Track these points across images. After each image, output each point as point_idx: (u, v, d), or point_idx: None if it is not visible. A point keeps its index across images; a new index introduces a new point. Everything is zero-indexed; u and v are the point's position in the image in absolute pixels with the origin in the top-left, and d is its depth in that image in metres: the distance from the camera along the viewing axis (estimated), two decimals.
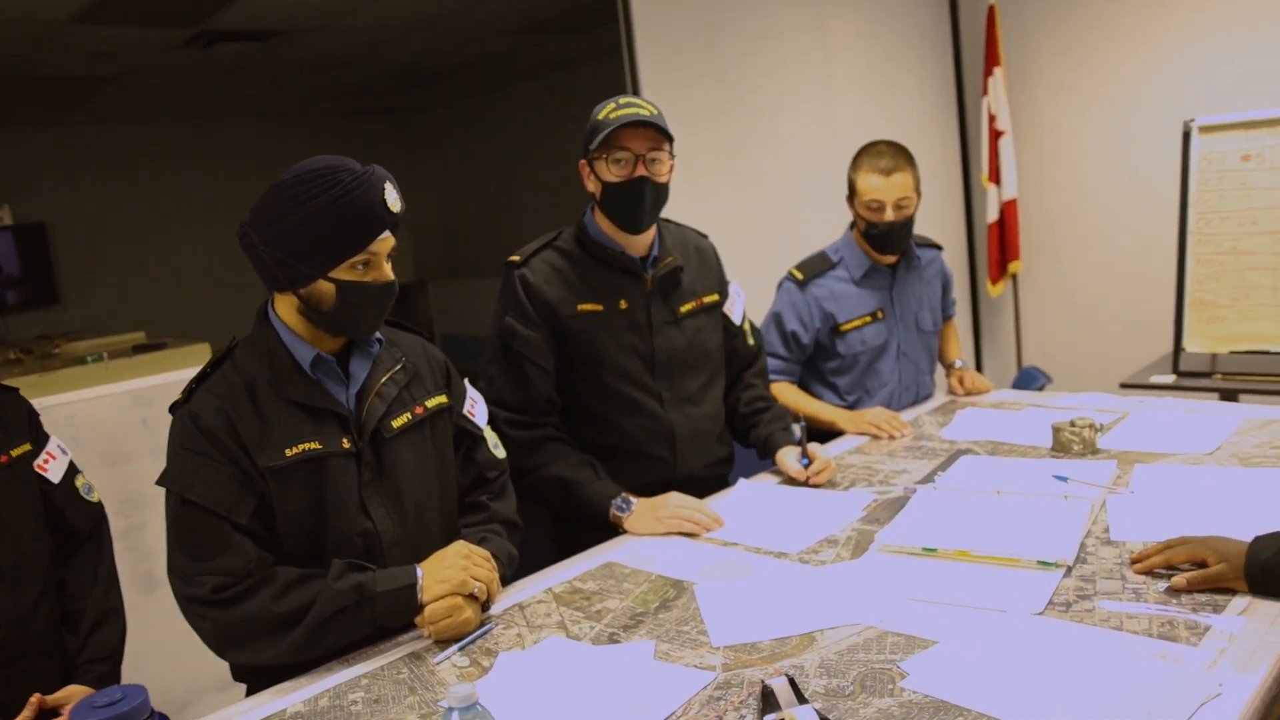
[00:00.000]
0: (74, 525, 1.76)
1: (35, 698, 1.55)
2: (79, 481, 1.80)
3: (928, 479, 2.03)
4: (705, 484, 2.15)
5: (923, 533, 1.69)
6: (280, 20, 4.69)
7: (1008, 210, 4.72)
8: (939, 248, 2.80)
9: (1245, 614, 1.33)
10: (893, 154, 2.48)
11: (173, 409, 1.53)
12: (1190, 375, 3.32)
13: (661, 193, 2.00)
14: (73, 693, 1.61)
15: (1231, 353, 3.34)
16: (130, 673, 1.83)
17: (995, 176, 4.70)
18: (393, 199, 1.48)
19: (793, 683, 1.16)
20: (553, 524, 2.16)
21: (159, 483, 1.49)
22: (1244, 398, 2.96)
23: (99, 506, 1.83)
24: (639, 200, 1.97)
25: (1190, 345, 3.43)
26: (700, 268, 2.21)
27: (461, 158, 8.47)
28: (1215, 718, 1.09)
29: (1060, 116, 4.62)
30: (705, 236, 2.31)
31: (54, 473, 1.74)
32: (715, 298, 2.22)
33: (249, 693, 1.52)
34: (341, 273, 1.48)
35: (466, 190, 8.53)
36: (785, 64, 4.05)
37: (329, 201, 1.43)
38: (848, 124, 4.22)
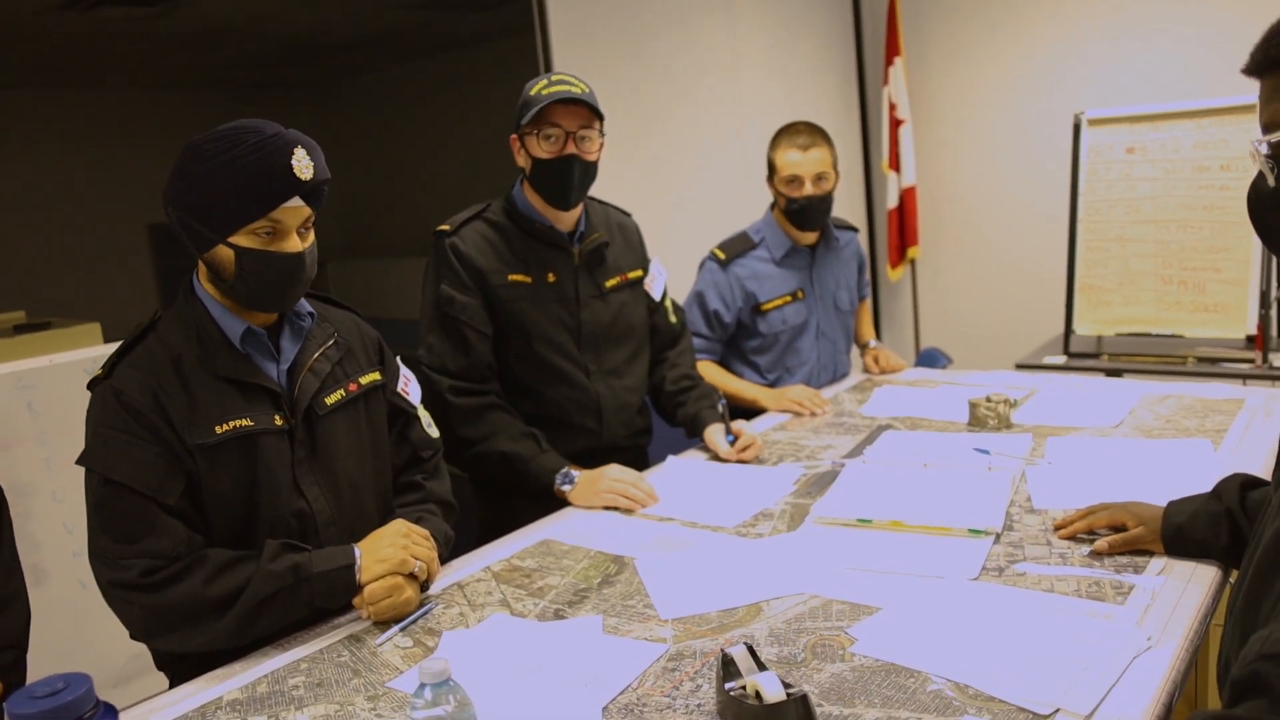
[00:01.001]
0: None
1: None
2: None
3: (855, 453, 2.08)
4: (628, 453, 2.19)
5: (856, 504, 1.74)
6: None
7: (907, 197, 4.86)
8: (855, 230, 2.87)
9: (1164, 574, 1.41)
10: (810, 131, 2.54)
11: (91, 385, 1.45)
12: (1080, 356, 3.50)
13: (590, 170, 2.01)
14: None
15: (1117, 334, 3.53)
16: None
17: (895, 164, 4.84)
18: (303, 165, 1.40)
19: (752, 650, 1.17)
20: (480, 498, 2.14)
21: (79, 462, 1.39)
22: (1127, 376, 3.13)
23: None
24: (568, 177, 1.98)
25: (1080, 328, 3.61)
26: (624, 245, 2.24)
27: (360, 136, 8.23)
28: (1147, 667, 1.16)
29: (958, 106, 4.78)
30: (629, 215, 2.33)
31: None
32: (639, 274, 2.25)
33: (173, 683, 1.46)
34: (242, 238, 1.40)
35: (365, 170, 8.29)
36: (694, 44, 4.08)
37: (228, 162, 1.36)
38: (755, 107, 4.28)
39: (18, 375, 3.06)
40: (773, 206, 2.67)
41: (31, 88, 6.99)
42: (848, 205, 5.00)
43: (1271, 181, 0.99)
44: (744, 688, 1.11)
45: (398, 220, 8.00)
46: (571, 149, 1.96)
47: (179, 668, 1.47)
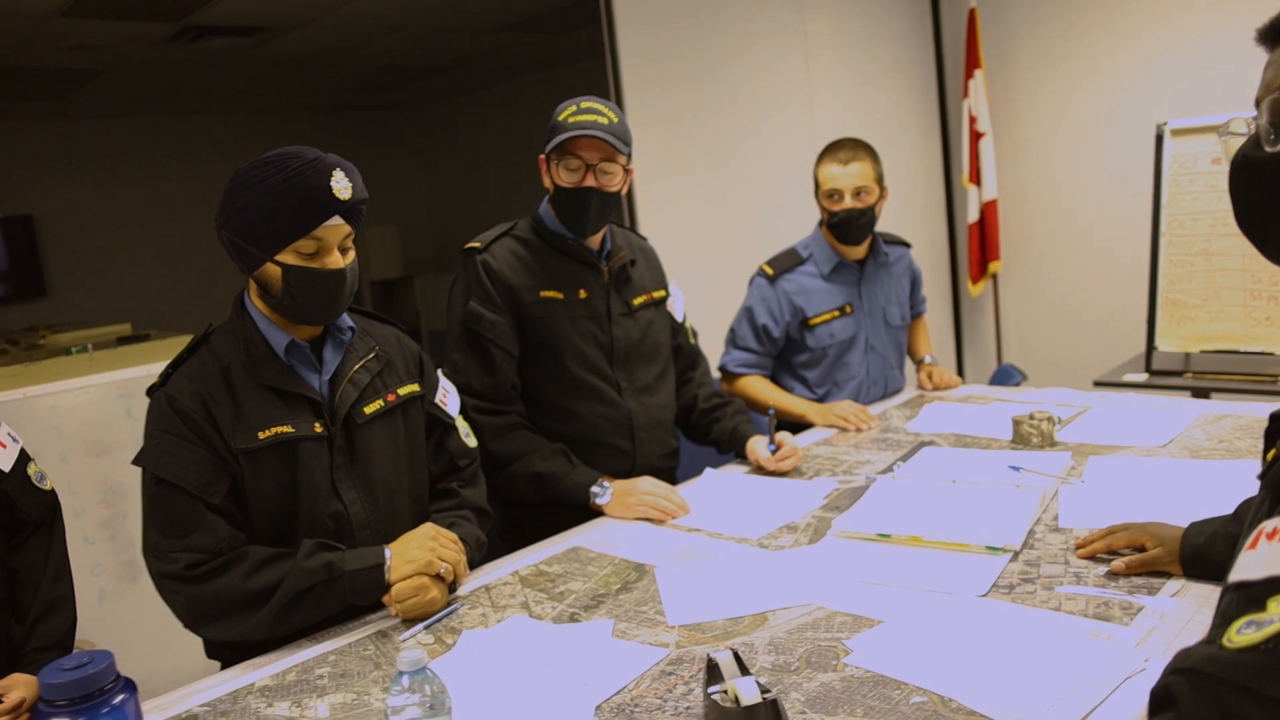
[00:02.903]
0: (26, 514, 1.72)
1: None
2: (31, 470, 1.75)
3: (888, 469, 2.08)
4: (659, 475, 2.17)
5: (878, 519, 1.75)
6: (264, 16, 4.72)
7: (988, 211, 4.79)
8: (907, 245, 2.86)
9: (1178, 595, 1.39)
10: (852, 146, 2.57)
11: (150, 392, 1.58)
12: (1162, 374, 3.39)
13: (610, 201, 2.04)
14: (14, 681, 1.59)
15: (1202, 352, 3.41)
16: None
17: (976, 177, 4.77)
18: (341, 186, 1.50)
19: (737, 656, 1.21)
20: (505, 514, 2.15)
21: (135, 462, 1.53)
22: (1215, 396, 3.03)
23: (51, 494, 1.79)
24: (585, 208, 2.01)
25: (1162, 344, 3.50)
26: (647, 266, 2.28)
27: (447, 155, 8.50)
28: (1140, 690, 1.15)
29: (1039, 119, 4.69)
30: (645, 239, 2.36)
31: (4, 462, 1.70)
32: (662, 294, 2.28)
33: (224, 668, 1.56)
34: (287, 256, 1.51)
35: (452, 187, 8.56)
36: (767, 65, 4.11)
37: (273, 185, 1.47)
38: (828, 125, 4.28)
39: (120, 384, 3.29)
40: (821, 222, 2.69)
41: (143, 115, 7.46)
42: (927, 219, 4.95)
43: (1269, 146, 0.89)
44: (725, 691, 1.15)
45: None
46: (591, 182, 1.98)
47: (226, 654, 1.58)
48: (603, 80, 3.69)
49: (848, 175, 2.54)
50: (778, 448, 2.14)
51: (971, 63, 4.69)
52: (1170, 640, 1.26)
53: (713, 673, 1.20)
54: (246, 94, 6.97)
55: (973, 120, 4.74)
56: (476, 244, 2.09)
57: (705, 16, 3.90)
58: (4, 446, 1.73)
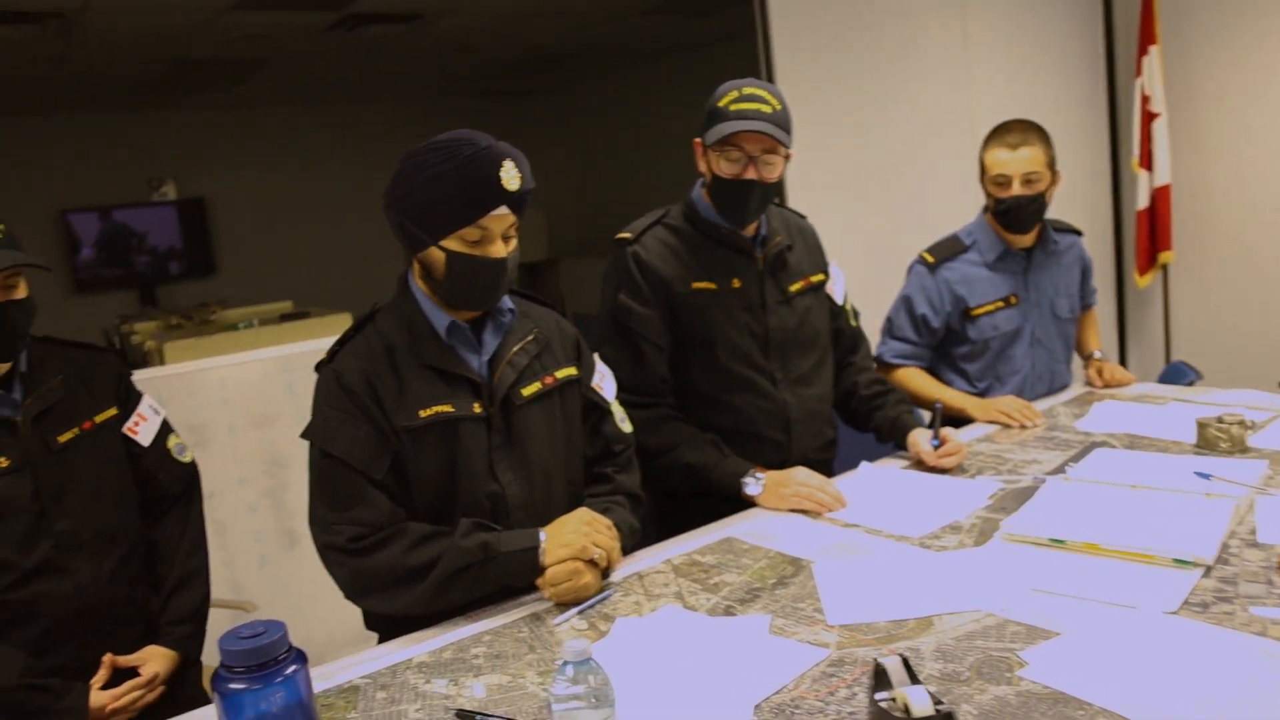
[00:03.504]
0: (165, 487, 1.80)
1: (108, 658, 1.63)
2: (171, 442, 1.82)
3: (1059, 470, 1.97)
4: (815, 467, 2.10)
5: (1051, 523, 1.64)
6: (418, 3, 4.85)
7: (1159, 197, 4.48)
8: (1079, 233, 2.70)
9: None
10: (1022, 129, 2.42)
11: (318, 367, 1.62)
12: None
13: (769, 192, 1.98)
14: (150, 654, 1.68)
15: None
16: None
17: (1147, 162, 4.47)
18: (510, 176, 1.50)
19: (906, 663, 1.16)
20: (657, 502, 2.11)
21: (303, 436, 1.58)
22: None
23: (191, 467, 1.87)
24: (745, 201, 1.96)
25: None
26: (805, 248, 2.19)
27: (594, 139, 8.57)
28: None
29: (1221, 98, 4.35)
30: (804, 218, 2.28)
31: (144, 435, 1.77)
32: (821, 278, 2.20)
33: (381, 641, 1.60)
34: (452, 242, 1.52)
35: (599, 170, 8.63)
36: (922, 40, 3.95)
37: (445, 172, 1.48)
38: (986, 104, 4.08)
39: (282, 359, 3.45)
40: (985, 209, 2.56)
41: (305, 103, 7.80)
42: (1092, 206, 4.67)
43: None
44: (894, 699, 1.10)
45: (627, 220, 8.25)
46: (752, 174, 1.92)
47: (384, 627, 1.62)
48: (753, 60, 3.63)
49: (1017, 160, 2.40)
50: (941, 443, 2.04)
51: (1146, 38, 4.39)
52: None
53: (880, 678, 1.15)
54: (399, 81, 7.20)
55: (1145, 100, 4.43)
56: (628, 234, 2.06)
57: None
58: (144, 420, 1.78)
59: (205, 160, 7.61)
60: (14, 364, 1.64)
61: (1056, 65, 4.45)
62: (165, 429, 1.83)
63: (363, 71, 6.60)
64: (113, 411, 1.74)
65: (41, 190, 7.17)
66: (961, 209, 2.87)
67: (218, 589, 1.97)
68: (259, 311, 4.38)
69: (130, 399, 1.79)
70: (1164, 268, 4.62)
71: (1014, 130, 2.43)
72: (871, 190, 3.85)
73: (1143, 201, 4.51)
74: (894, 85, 3.87)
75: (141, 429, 1.78)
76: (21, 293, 1.62)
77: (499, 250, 1.55)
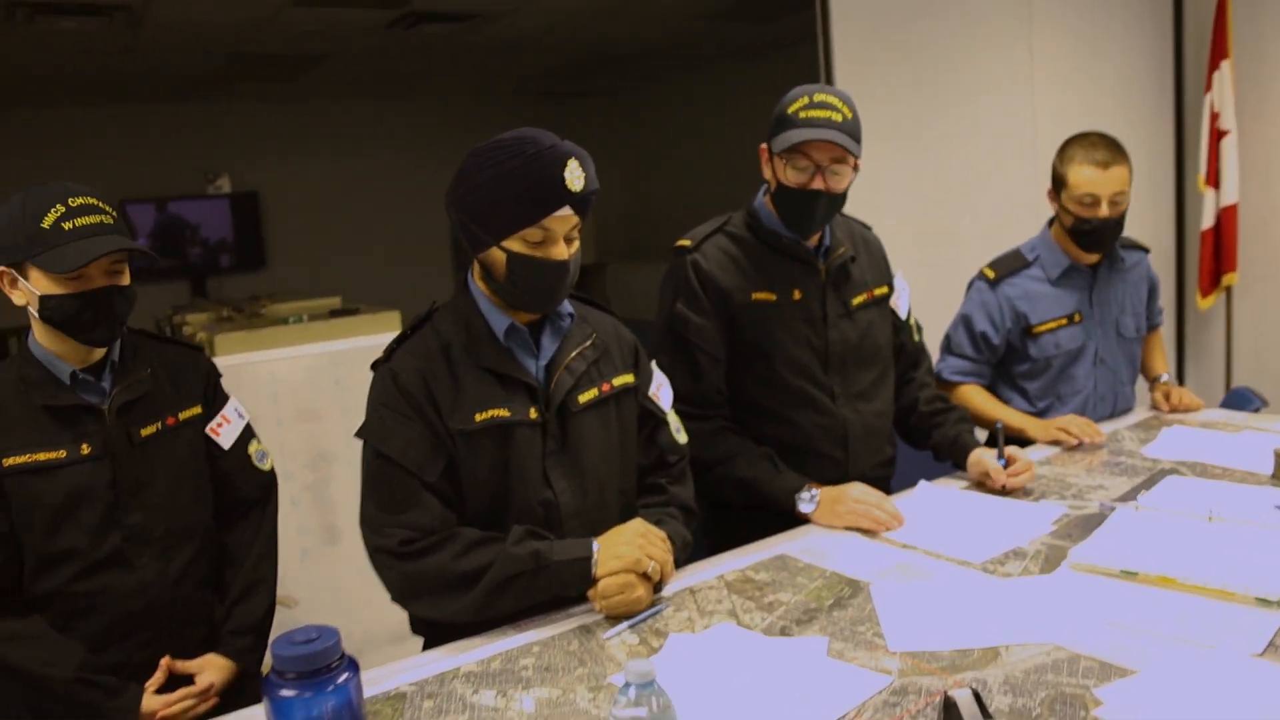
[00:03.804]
0: (242, 492, 1.77)
1: (165, 661, 1.60)
2: (253, 448, 1.79)
3: (1128, 497, 1.89)
4: (873, 484, 2.03)
5: (1123, 554, 1.58)
6: (478, 3, 4.85)
7: (1225, 217, 4.35)
8: (1146, 250, 2.61)
9: None
10: (1109, 146, 2.31)
11: (374, 366, 1.60)
12: None
13: (836, 203, 1.92)
14: (208, 662, 1.65)
15: None
16: (310, 618, 1.89)
17: (1214, 179, 4.34)
18: (574, 176, 1.47)
19: (977, 696, 1.11)
20: (709, 514, 2.07)
21: (358, 434, 1.56)
22: None
23: (270, 474, 1.83)
24: (811, 211, 1.90)
25: None
26: (869, 259, 2.13)
27: (646, 142, 8.53)
28: None
29: None
30: (869, 228, 2.22)
31: (226, 438, 1.74)
32: (885, 290, 2.14)
33: (426, 646, 1.58)
34: (513, 243, 1.50)
35: (650, 175, 8.59)
36: (985, 50, 3.88)
37: (508, 170, 1.45)
38: (1049, 115, 3.99)
39: (331, 355, 3.46)
40: (1051, 222, 2.48)
41: (362, 99, 7.85)
42: (1154, 224, 4.54)
43: None
44: None
45: (680, 226, 8.20)
46: (819, 184, 1.86)
47: (431, 633, 1.59)
48: (812, 67, 3.57)
49: (1108, 180, 2.28)
50: (1008, 463, 1.97)
51: (1218, 52, 4.26)
52: None
53: (949, 711, 1.10)
54: (456, 79, 7.22)
55: (1215, 116, 4.31)
56: (687, 241, 2.01)
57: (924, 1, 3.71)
58: (228, 423, 1.75)
59: (259, 154, 7.69)
60: (108, 352, 1.63)
61: (1123, 78, 4.35)
62: (248, 434, 1.80)
63: (418, 70, 6.62)
64: (197, 410, 1.72)
65: (101, 180, 7.26)
66: (1024, 223, 2.80)
67: None
68: (308, 307, 4.40)
69: (216, 400, 1.77)
70: (1228, 290, 4.49)
71: (1101, 147, 2.31)
72: (931, 203, 3.78)
73: (1208, 221, 4.38)
74: (956, 96, 3.80)
75: (224, 431, 1.75)
76: (126, 279, 1.61)
77: (561, 252, 1.52)
